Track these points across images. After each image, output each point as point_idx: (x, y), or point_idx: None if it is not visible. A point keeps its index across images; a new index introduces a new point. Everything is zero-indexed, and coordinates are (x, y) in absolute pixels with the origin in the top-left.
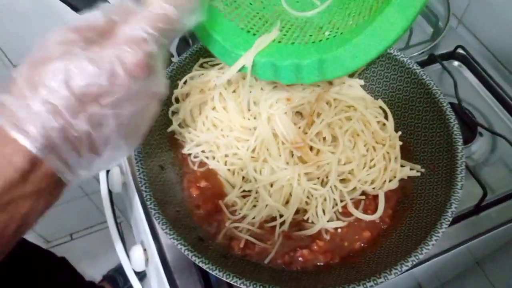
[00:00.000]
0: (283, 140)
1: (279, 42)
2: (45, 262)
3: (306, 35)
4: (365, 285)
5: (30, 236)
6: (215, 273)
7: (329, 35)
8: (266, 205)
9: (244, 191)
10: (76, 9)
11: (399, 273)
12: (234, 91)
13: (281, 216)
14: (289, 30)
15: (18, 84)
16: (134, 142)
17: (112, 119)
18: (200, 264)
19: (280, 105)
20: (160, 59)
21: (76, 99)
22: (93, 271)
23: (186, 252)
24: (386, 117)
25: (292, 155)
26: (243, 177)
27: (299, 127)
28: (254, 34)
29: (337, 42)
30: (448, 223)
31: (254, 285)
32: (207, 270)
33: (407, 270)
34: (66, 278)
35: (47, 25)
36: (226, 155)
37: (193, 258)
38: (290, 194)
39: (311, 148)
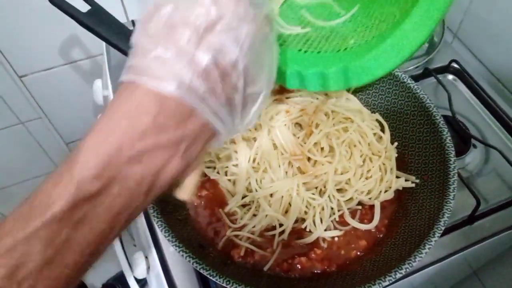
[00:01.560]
0: (282, 151)
1: (305, 52)
2: None
3: (332, 44)
4: None
5: None
6: (216, 279)
7: (354, 43)
8: (266, 215)
9: (244, 200)
10: (88, 27)
11: (393, 279)
12: None
13: (280, 225)
14: (315, 41)
15: (139, 46)
16: (270, 77)
17: (233, 43)
18: (201, 271)
19: (280, 117)
20: None
21: (198, 36)
22: (93, 280)
23: (188, 259)
24: (382, 130)
25: (292, 166)
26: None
27: (298, 137)
28: (281, 45)
29: (362, 50)
30: (441, 232)
31: None
32: (208, 276)
33: (401, 278)
34: None
35: (54, 36)
36: (226, 166)
37: (194, 265)
38: (290, 204)
39: (308, 159)
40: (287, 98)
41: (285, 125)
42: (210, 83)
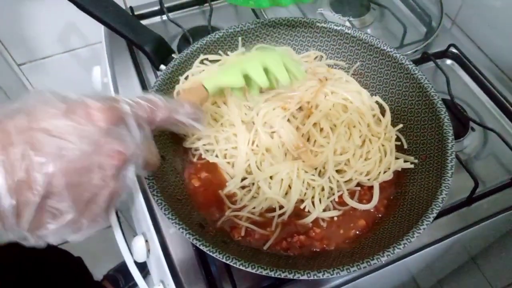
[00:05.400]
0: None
1: None
2: (63, 260)
3: None
4: (358, 267)
5: None
6: (215, 255)
7: None
8: (266, 198)
9: (243, 182)
10: (87, 11)
11: (391, 254)
12: None
13: (280, 207)
14: None
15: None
16: (93, 216)
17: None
18: (201, 247)
19: (278, 113)
20: (133, 126)
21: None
22: (94, 271)
23: (188, 236)
24: (382, 112)
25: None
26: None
27: (297, 118)
28: None
29: None
30: (439, 208)
31: (253, 267)
32: (208, 252)
33: (399, 259)
34: (81, 276)
35: (53, 24)
36: (226, 149)
37: (194, 241)
38: (289, 186)
39: (308, 139)
40: (279, 94)
41: (288, 120)
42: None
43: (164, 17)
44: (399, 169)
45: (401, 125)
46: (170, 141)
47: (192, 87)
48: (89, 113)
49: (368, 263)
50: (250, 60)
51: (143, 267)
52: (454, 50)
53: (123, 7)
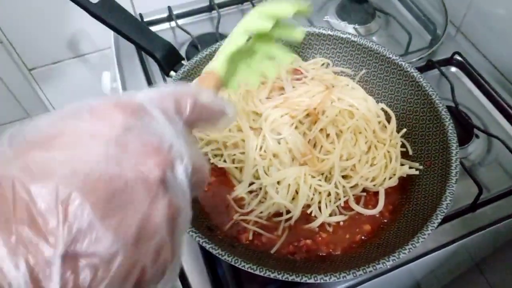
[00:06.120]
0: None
1: None
2: None
3: None
4: (364, 271)
5: None
6: (224, 258)
7: None
8: (274, 203)
9: (251, 187)
10: (98, 17)
11: (396, 259)
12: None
13: (287, 212)
14: None
15: None
16: None
17: None
18: (210, 250)
19: (285, 120)
20: (160, 118)
21: None
22: None
23: (197, 239)
24: (387, 119)
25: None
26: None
27: (303, 124)
28: None
29: None
30: (444, 214)
31: (261, 270)
32: (217, 255)
33: (404, 263)
34: None
35: (63, 29)
36: (234, 154)
37: (204, 244)
38: (296, 191)
39: (314, 144)
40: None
41: (296, 126)
42: None
43: (173, 23)
44: (404, 175)
45: (405, 130)
46: None
47: (200, 77)
48: (96, 114)
49: (374, 267)
50: (247, 16)
51: None
52: (459, 58)
53: (133, 13)
